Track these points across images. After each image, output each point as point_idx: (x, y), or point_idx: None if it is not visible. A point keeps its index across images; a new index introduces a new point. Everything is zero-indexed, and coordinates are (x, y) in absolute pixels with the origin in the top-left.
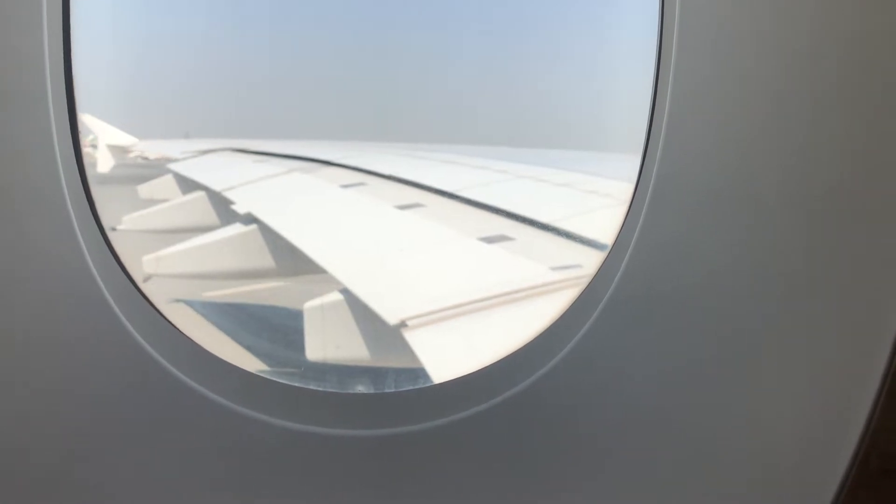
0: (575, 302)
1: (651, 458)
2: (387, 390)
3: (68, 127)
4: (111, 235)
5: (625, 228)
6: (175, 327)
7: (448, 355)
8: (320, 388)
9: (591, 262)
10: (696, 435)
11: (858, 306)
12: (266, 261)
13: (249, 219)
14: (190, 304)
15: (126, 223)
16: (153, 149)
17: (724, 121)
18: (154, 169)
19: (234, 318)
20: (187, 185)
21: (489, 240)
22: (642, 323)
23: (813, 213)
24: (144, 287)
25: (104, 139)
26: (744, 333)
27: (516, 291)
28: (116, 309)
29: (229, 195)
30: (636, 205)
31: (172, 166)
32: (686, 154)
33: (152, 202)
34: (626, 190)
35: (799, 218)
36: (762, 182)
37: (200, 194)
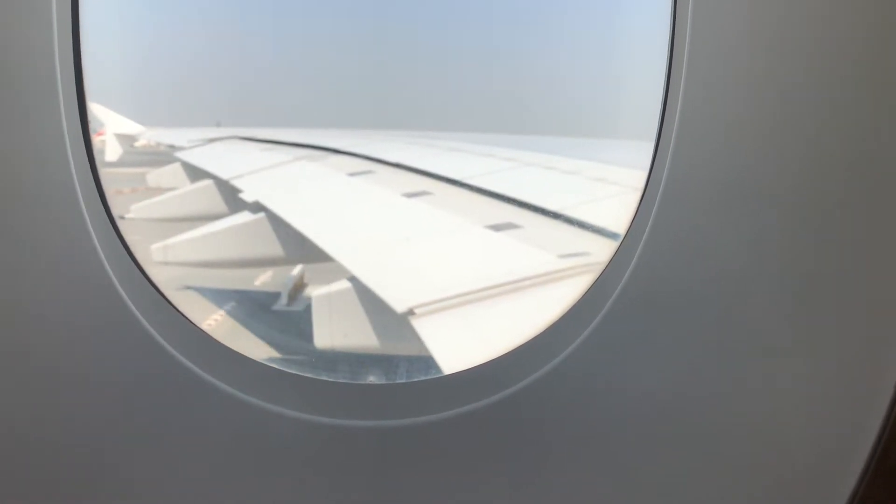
0: (586, 294)
1: (663, 449)
2: (398, 381)
3: (78, 118)
4: (119, 224)
5: (636, 221)
6: (186, 318)
7: (456, 343)
8: (331, 379)
9: (598, 249)
10: (708, 429)
11: (875, 301)
12: (274, 249)
13: (257, 207)
14: (199, 290)
15: (134, 211)
16: (160, 137)
17: (736, 114)
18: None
19: (243, 305)
20: (195, 173)
21: (497, 228)
22: (654, 315)
23: (826, 208)
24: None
25: (111, 127)
26: (758, 328)
27: (524, 279)
28: (128, 300)
29: (237, 183)
30: (648, 197)
31: (180, 154)
32: (699, 147)
33: (160, 190)
34: (634, 177)
35: (812, 212)
36: (775, 176)
37: (208, 182)
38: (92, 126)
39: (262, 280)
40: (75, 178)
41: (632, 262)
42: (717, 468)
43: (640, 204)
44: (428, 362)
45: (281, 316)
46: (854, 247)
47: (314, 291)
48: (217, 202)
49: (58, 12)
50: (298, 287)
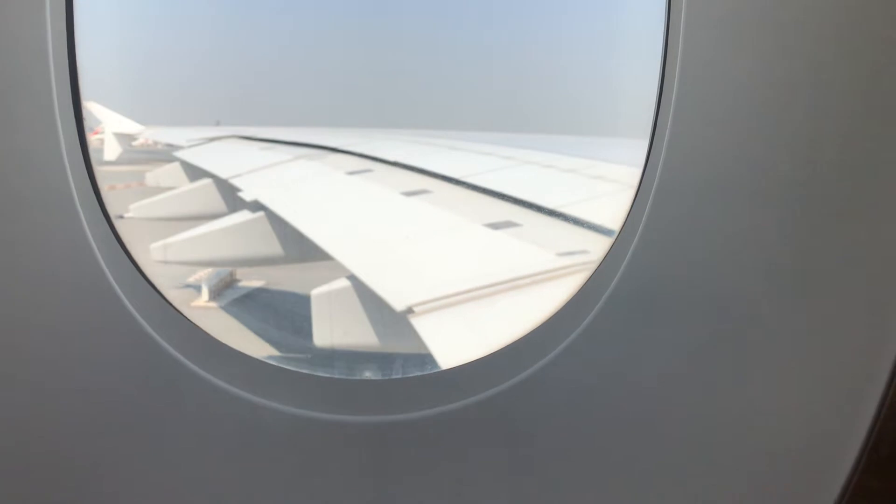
0: (581, 289)
1: (656, 443)
2: (394, 377)
3: (73, 117)
4: (118, 224)
5: (631, 216)
6: (183, 315)
7: (455, 341)
8: (328, 375)
9: (597, 247)
10: (701, 423)
11: (867, 294)
12: (274, 248)
13: (256, 206)
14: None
15: (133, 211)
16: (159, 136)
17: (730, 110)
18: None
19: (241, 303)
20: (194, 172)
21: (495, 226)
22: (648, 311)
23: (821, 203)
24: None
25: (110, 126)
26: (751, 322)
27: (522, 277)
28: (125, 299)
29: (236, 182)
30: (642, 193)
31: (179, 154)
32: (692, 143)
33: (159, 190)
34: (632, 174)
35: (805, 208)
36: (768, 172)
37: (207, 182)
38: (88, 125)
39: (197, 276)
40: (70, 177)
41: (626, 259)
42: (710, 462)
43: (634, 200)
44: (425, 360)
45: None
46: (848, 243)
47: (314, 291)
48: (216, 201)
49: (51, 9)
50: (226, 283)
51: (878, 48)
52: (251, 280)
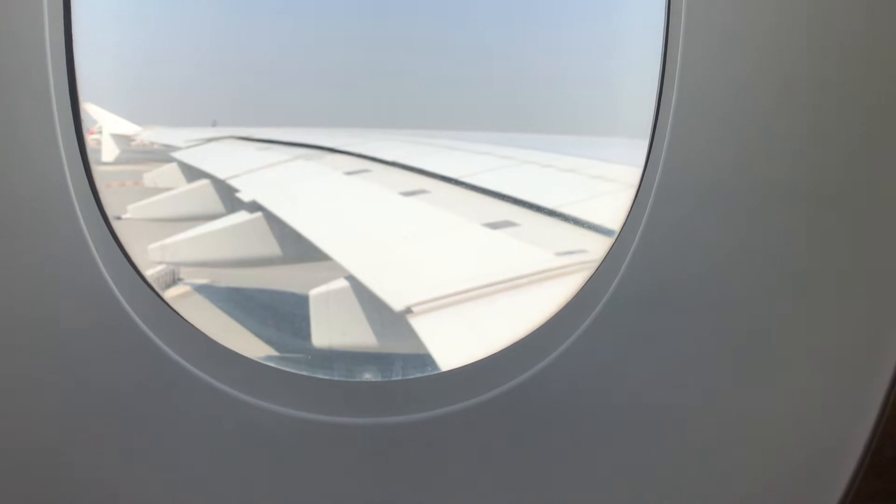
0: (580, 291)
1: (657, 444)
2: (394, 378)
3: (71, 118)
4: (115, 224)
5: (631, 217)
6: (181, 317)
7: (454, 341)
8: (327, 377)
9: (596, 247)
10: (702, 425)
11: (869, 296)
12: (272, 248)
13: (254, 206)
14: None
15: (131, 211)
16: (157, 137)
17: (730, 110)
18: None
19: (240, 304)
20: (192, 173)
21: (494, 226)
22: (648, 312)
23: (821, 204)
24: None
25: (107, 127)
26: (752, 323)
27: (521, 277)
28: (123, 300)
29: (234, 183)
30: (643, 193)
31: (176, 154)
32: (693, 143)
33: (157, 190)
34: (631, 174)
35: (807, 209)
36: (768, 172)
37: (205, 182)
38: (85, 125)
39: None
40: (69, 179)
41: (626, 260)
42: (712, 463)
43: (634, 201)
44: (425, 360)
45: None
46: (848, 244)
47: (312, 291)
48: (214, 202)
49: (49, 10)
50: (165, 282)
51: (879, 48)
52: (196, 278)
